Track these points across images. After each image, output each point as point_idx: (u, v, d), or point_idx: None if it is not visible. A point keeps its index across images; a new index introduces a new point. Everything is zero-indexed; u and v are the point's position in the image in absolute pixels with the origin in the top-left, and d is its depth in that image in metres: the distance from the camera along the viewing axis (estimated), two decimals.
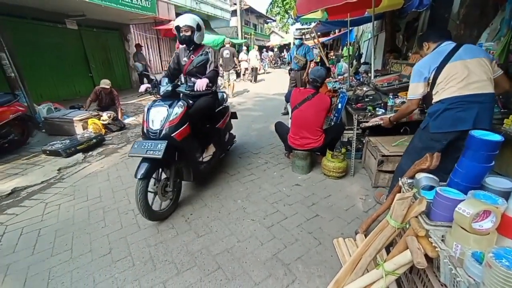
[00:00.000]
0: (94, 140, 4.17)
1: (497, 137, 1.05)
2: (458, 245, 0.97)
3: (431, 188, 1.33)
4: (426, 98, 1.96)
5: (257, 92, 9.62)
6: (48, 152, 3.73)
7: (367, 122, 2.70)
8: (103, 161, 3.69)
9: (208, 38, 10.50)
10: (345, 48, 11.18)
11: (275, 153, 3.79)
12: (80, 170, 3.38)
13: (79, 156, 3.77)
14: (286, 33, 29.06)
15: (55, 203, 2.62)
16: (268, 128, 4.98)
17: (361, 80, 5.76)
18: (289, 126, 3.24)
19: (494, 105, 1.79)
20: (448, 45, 1.80)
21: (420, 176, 1.33)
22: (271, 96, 8.78)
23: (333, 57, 14.05)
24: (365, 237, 1.83)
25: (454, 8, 4.52)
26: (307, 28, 17.39)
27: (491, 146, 1.05)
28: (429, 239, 1.08)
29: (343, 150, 2.93)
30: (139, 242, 2.03)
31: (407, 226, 1.26)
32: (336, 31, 14.12)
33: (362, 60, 9.59)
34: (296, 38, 5.83)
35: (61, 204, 2.61)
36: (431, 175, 1.31)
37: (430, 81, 1.83)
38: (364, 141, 3.29)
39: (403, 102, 2.86)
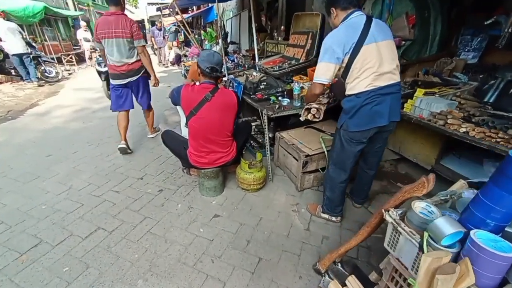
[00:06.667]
0: None
1: None
2: None
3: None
4: (335, 86, 1.77)
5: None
6: None
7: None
8: None
9: (18, 6, 7.02)
10: (212, 26, 10.54)
11: (167, 171, 2.81)
12: None
13: None
14: (136, 8, 24.98)
15: None
16: (147, 134, 3.75)
17: (236, 61, 5.28)
18: (185, 136, 2.37)
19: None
20: (360, 17, 1.55)
21: (427, 211, 0.95)
22: None
23: (196, 36, 13.18)
24: (338, 281, 1.42)
25: None
26: (163, 3, 15.28)
27: None
28: None
29: (259, 156, 2.40)
30: None
31: None
32: (194, 8, 13.16)
33: (229, 40, 9.34)
34: None
35: None
36: (448, 213, 0.95)
37: (344, 64, 1.57)
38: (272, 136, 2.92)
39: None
